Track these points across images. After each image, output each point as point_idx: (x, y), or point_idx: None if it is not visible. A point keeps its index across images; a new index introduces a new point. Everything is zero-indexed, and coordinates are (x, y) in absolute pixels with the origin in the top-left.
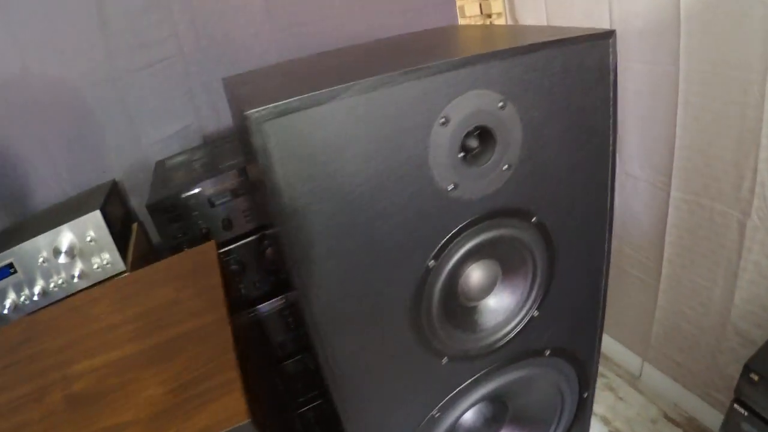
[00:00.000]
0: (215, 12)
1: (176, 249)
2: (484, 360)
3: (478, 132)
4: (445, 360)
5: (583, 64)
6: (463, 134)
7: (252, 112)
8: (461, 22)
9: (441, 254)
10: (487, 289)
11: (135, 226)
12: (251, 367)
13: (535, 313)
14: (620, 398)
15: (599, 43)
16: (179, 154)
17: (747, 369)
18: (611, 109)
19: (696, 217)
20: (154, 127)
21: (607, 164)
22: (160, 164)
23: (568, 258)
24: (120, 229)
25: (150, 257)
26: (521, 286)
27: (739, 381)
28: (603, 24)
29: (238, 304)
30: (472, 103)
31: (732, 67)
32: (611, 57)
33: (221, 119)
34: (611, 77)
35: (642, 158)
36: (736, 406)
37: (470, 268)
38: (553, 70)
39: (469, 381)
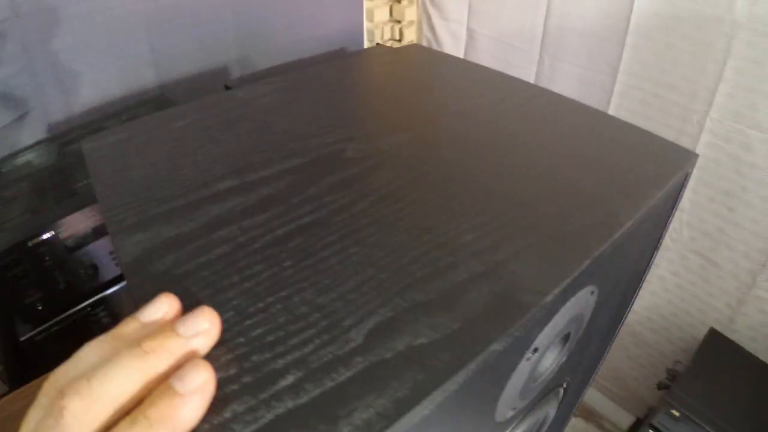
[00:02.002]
0: None
1: (28, 314)
2: None
3: None
4: None
5: (659, 209)
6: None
7: None
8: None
9: None
10: None
11: None
12: None
13: None
14: None
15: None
16: (16, 154)
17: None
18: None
19: None
20: None
21: (629, 300)
22: None
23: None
24: None
25: None
26: None
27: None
28: (537, 20)
29: None
30: (568, 312)
31: (676, 92)
32: (683, 187)
33: (72, 102)
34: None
35: None
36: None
37: None
38: (636, 235)
39: None
